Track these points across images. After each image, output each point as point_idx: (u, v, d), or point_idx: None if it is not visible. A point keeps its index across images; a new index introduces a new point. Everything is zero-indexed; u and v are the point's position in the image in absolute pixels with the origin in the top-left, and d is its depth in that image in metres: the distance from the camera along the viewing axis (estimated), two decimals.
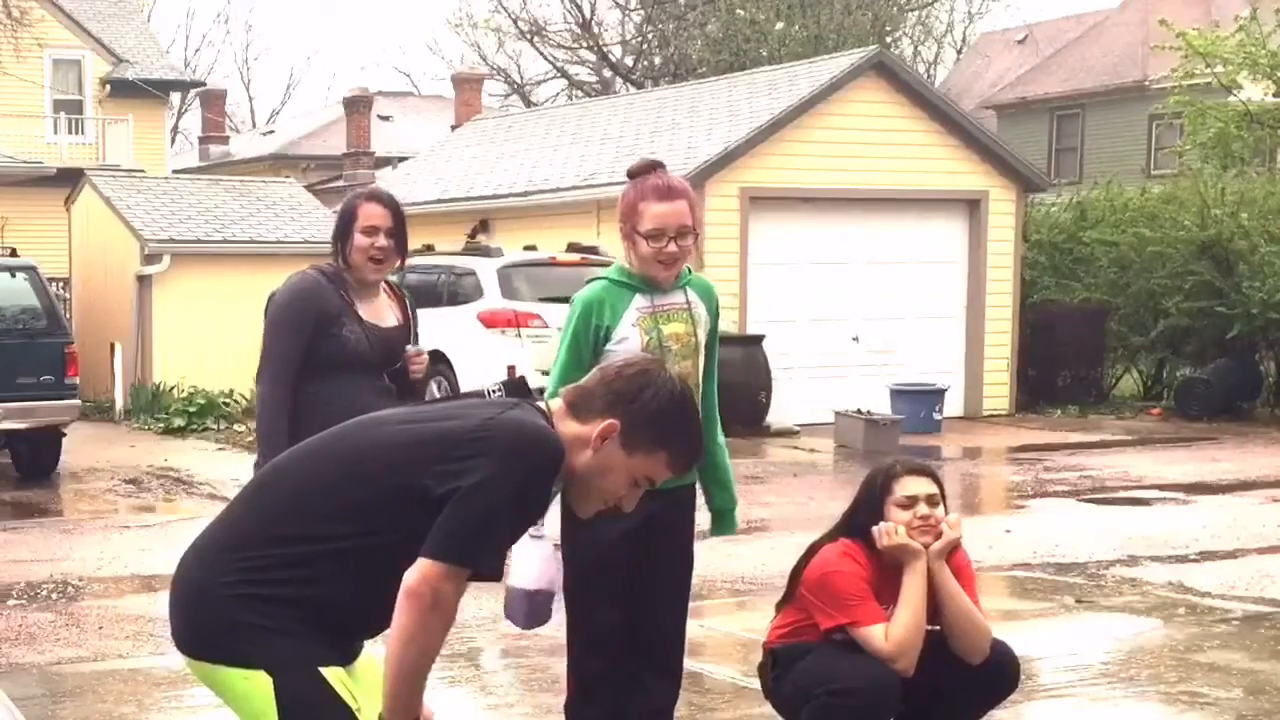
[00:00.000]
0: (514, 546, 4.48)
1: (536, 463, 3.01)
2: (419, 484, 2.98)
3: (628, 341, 4.57)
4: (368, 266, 5.06)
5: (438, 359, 15.82)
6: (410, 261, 21.96)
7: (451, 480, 2.96)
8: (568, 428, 3.12)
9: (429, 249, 18.30)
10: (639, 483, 3.16)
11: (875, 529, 4.64)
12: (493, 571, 3.06)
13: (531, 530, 4.47)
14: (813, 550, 4.78)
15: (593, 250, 16.69)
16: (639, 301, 4.62)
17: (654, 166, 4.61)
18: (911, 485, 4.66)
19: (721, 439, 4.83)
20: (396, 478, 3.01)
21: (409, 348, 5.23)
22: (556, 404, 3.19)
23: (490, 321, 15.58)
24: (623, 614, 4.62)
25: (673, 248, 4.55)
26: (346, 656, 3.12)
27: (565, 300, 18.60)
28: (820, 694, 4.57)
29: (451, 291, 16.48)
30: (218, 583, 3.04)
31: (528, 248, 17.86)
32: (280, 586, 3.01)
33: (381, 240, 5.04)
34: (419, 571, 2.94)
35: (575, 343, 4.59)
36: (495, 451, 2.97)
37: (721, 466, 4.81)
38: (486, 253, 16.70)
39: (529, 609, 4.48)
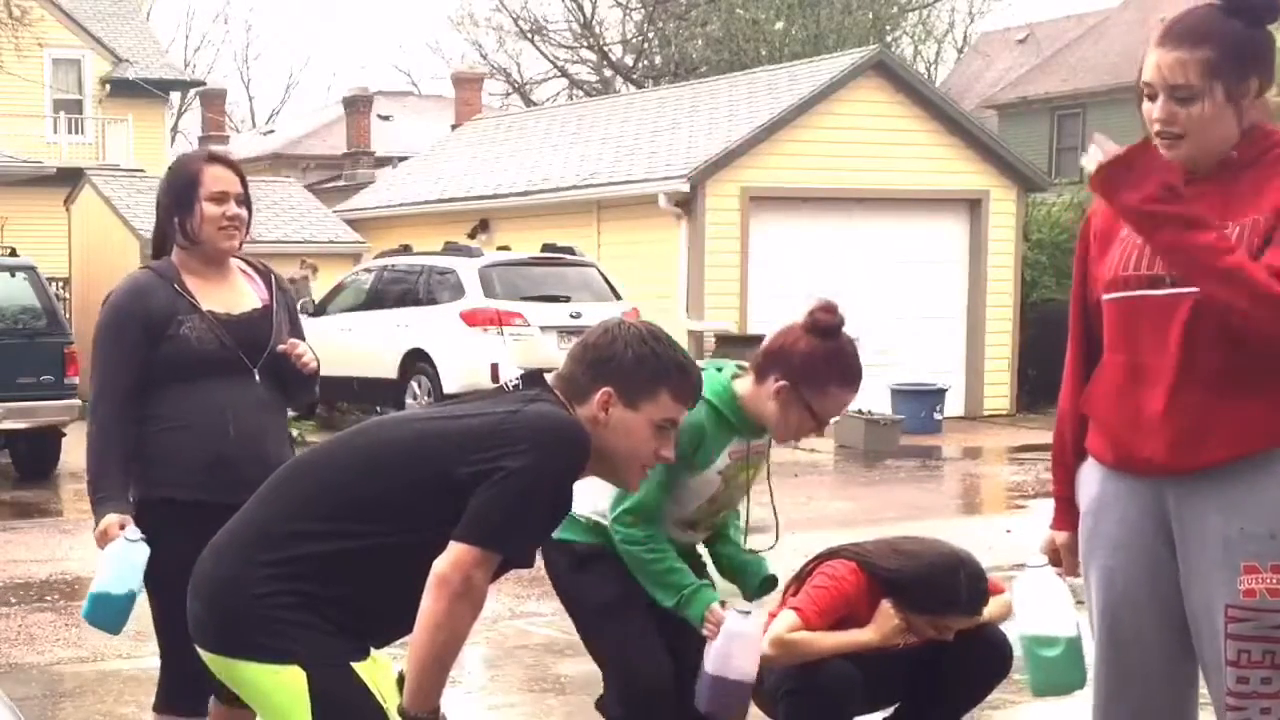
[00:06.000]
0: (728, 630, 4.02)
1: (571, 453, 3.03)
2: (453, 477, 2.97)
3: (705, 486, 4.22)
4: (220, 238, 4.14)
5: (420, 358, 15.92)
6: (390, 261, 21.78)
7: (486, 471, 2.95)
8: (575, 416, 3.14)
9: (406, 249, 18.36)
10: (662, 427, 3.15)
11: (885, 602, 4.63)
12: (523, 558, 3.05)
13: (739, 607, 4.17)
14: (841, 554, 4.76)
15: (569, 251, 16.79)
16: (734, 445, 4.22)
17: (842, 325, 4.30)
18: (958, 623, 4.65)
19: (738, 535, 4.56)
20: (430, 470, 3.00)
21: (292, 340, 4.21)
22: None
23: (473, 320, 15.68)
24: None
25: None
26: (366, 653, 3.10)
27: (544, 299, 18.52)
28: (783, 693, 4.57)
29: (432, 291, 16.57)
30: (245, 579, 3.01)
31: (501, 248, 18.19)
32: (310, 582, 2.99)
33: (233, 208, 4.14)
34: (450, 556, 2.92)
35: (671, 467, 3.83)
36: (528, 441, 2.97)
37: (738, 555, 4.55)
38: (467, 252, 16.81)
39: (744, 698, 4.16)
